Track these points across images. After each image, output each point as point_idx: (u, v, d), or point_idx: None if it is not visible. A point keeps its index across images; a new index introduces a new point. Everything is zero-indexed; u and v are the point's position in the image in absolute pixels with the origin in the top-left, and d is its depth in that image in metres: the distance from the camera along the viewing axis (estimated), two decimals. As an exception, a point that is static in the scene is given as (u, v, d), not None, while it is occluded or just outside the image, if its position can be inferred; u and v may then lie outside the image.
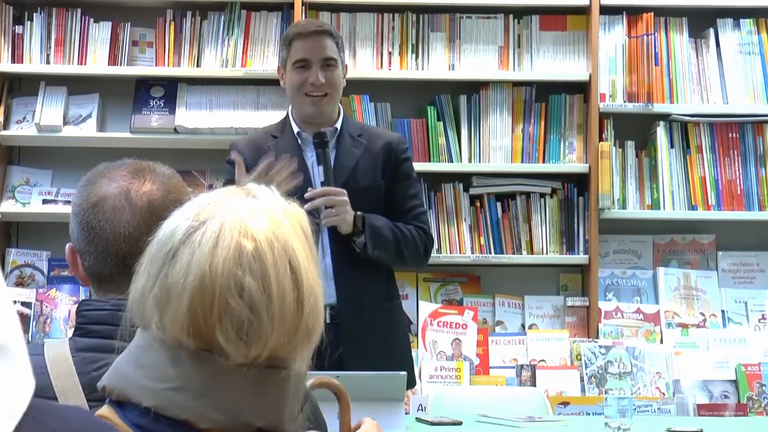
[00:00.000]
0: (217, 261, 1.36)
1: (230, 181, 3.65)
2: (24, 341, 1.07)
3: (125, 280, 1.79)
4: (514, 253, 4.78)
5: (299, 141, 3.71)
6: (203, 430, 1.36)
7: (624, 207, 4.82)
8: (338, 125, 3.73)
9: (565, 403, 4.28)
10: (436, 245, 4.68)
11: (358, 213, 3.56)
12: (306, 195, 3.48)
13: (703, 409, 4.32)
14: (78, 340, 1.80)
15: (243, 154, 3.67)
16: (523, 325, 4.80)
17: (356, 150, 3.69)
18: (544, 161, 4.83)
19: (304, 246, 1.43)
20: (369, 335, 3.60)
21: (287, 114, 3.82)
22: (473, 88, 4.86)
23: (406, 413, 3.45)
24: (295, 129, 3.73)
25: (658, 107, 4.82)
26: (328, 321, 3.53)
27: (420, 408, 4.09)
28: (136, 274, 1.44)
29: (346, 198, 3.54)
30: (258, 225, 1.39)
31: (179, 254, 1.39)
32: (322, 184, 3.58)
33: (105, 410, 1.40)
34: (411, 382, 3.70)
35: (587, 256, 4.76)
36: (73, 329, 1.87)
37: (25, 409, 1.03)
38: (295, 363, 1.41)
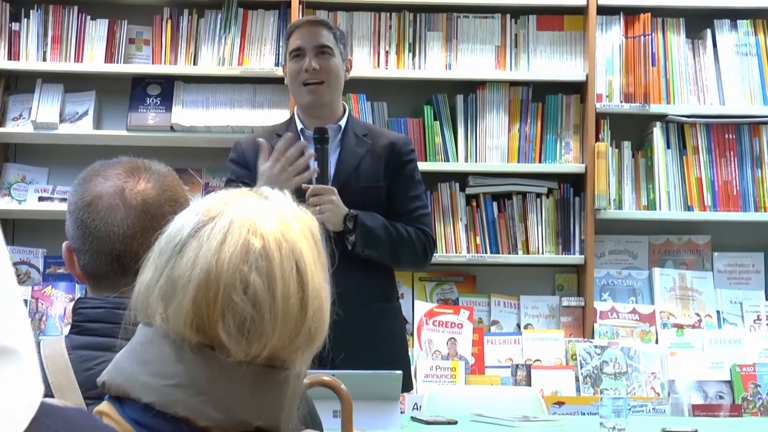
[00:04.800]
0: (224, 256, 1.37)
1: (232, 180, 3.64)
2: (34, 345, 1.06)
3: (120, 278, 1.80)
4: (509, 253, 4.79)
5: (302, 138, 3.68)
6: (202, 427, 1.36)
7: (620, 207, 4.83)
8: (342, 123, 3.70)
9: (560, 403, 4.28)
10: (432, 242, 4.68)
11: (351, 212, 3.52)
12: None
13: (697, 410, 4.33)
14: (74, 338, 1.80)
15: (246, 152, 3.67)
16: (518, 325, 4.80)
17: (360, 149, 3.66)
18: (540, 161, 4.83)
19: (313, 251, 1.43)
20: (362, 337, 3.54)
21: (294, 112, 3.81)
22: (470, 87, 4.86)
23: (402, 412, 3.45)
24: (299, 126, 3.71)
25: (655, 108, 4.82)
26: None
27: (415, 407, 4.09)
28: (142, 268, 1.44)
29: (335, 197, 3.52)
30: (268, 224, 1.40)
31: (187, 248, 1.39)
32: (316, 181, 3.56)
33: (104, 406, 1.40)
34: (407, 386, 3.66)
35: (583, 256, 4.77)
36: (69, 327, 1.87)
37: (33, 414, 1.02)
38: (295, 365, 1.42)
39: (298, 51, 3.69)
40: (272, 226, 1.40)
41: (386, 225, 3.60)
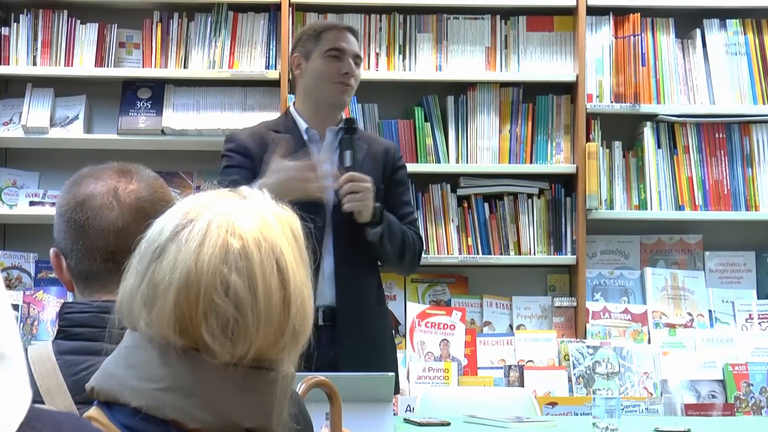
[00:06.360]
0: (203, 258, 1.37)
1: (232, 166, 3.63)
2: (22, 350, 1.07)
3: (113, 277, 1.79)
4: (501, 254, 4.79)
5: (306, 138, 3.70)
6: (192, 430, 1.36)
7: (611, 207, 4.83)
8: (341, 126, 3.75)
9: (553, 404, 4.28)
10: (423, 246, 4.70)
11: (377, 203, 3.56)
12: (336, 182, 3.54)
13: (690, 409, 4.33)
14: (60, 343, 1.80)
15: (246, 143, 3.66)
16: (510, 326, 4.81)
17: (360, 152, 3.70)
18: (531, 162, 4.84)
19: (293, 248, 1.43)
20: (364, 338, 3.59)
21: (288, 111, 3.82)
22: (460, 88, 4.86)
23: (394, 414, 3.45)
24: (302, 125, 3.72)
25: (645, 108, 4.83)
26: (325, 323, 3.53)
27: (408, 409, 4.09)
28: (125, 274, 1.44)
29: (371, 185, 3.54)
30: (246, 224, 1.40)
31: (166, 251, 1.39)
32: (348, 169, 3.57)
33: (93, 411, 1.40)
34: (395, 389, 3.67)
35: (575, 256, 4.77)
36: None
37: (22, 419, 1.03)
38: (283, 364, 1.41)
39: (339, 51, 3.72)
40: (251, 226, 1.40)
41: (399, 224, 3.66)
